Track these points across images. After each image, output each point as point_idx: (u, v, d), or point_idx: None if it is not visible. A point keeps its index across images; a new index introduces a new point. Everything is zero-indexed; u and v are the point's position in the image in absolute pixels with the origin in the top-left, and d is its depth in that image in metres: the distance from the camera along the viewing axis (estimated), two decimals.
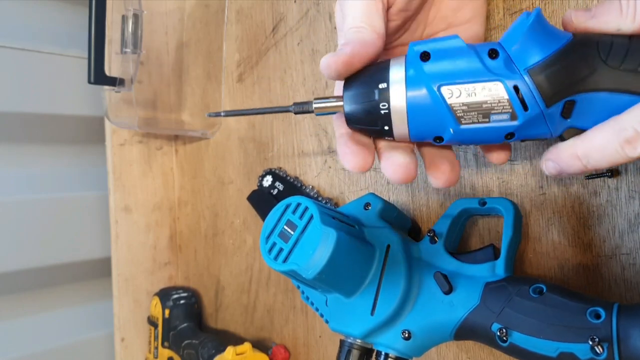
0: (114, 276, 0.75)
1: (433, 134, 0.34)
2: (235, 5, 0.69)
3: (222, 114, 0.40)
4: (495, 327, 0.35)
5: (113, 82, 0.63)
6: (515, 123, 0.31)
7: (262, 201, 0.62)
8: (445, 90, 0.32)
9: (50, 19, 0.76)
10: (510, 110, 0.31)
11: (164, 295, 0.73)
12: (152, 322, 0.74)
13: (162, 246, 0.79)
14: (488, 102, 0.31)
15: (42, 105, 0.73)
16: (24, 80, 0.71)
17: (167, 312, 0.72)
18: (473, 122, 0.32)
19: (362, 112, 0.34)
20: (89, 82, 0.61)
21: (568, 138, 0.32)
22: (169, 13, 0.73)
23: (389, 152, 0.36)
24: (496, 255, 0.40)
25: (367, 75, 0.34)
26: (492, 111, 0.31)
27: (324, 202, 0.56)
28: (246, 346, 0.60)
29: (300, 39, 0.60)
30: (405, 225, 0.47)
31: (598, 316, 0.32)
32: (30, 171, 0.74)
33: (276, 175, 0.61)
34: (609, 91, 0.30)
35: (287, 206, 0.39)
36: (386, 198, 0.51)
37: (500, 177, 0.44)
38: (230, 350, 0.59)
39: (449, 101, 0.32)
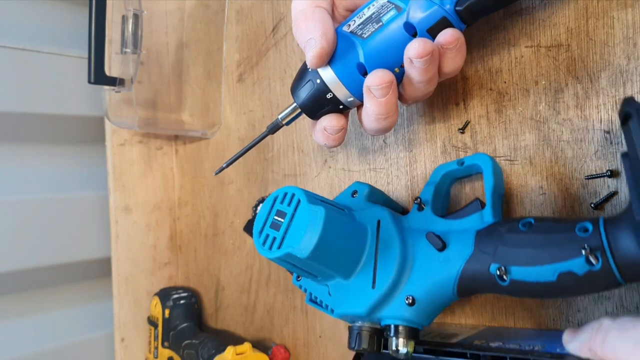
0: (114, 276, 0.75)
1: (355, 65, 0.40)
2: (235, 5, 0.69)
3: (224, 165, 0.48)
4: (493, 268, 0.35)
5: (113, 82, 0.63)
6: (402, 13, 0.37)
7: None
8: (345, 27, 0.40)
9: (50, 19, 0.76)
10: (393, 6, 0.38)
11: (164, 295, 0.73)
12: (152, 322, 0.74)
13: (162, 246, 0.79)
14: (375, 12, 0.39)
15: (42, 105, 0.73)
16: (24, 80, 0.71)
17: (167, 312, 0.72)
18: (372, 32, 0.39)
19: (310, 100, 0.42)
20: (89, 82, 0.61)
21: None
22: (169, 13, 0.73)
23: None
24: (483, 207, 0.40)
25: (298, 76, 0.43)
26: (381, 15, 0.38)
27: None
28: (246, 346, 0.60)
29: None
30: (396, 209, 0.48)
31: (586, 230, 0.33)
32: (30, 171, 0.74)
33: None
34: None
35: (275, 198, 0.41)
36: None
37: None
38: (230, 350, 0.59)
39: (349, 30, 0.40)
